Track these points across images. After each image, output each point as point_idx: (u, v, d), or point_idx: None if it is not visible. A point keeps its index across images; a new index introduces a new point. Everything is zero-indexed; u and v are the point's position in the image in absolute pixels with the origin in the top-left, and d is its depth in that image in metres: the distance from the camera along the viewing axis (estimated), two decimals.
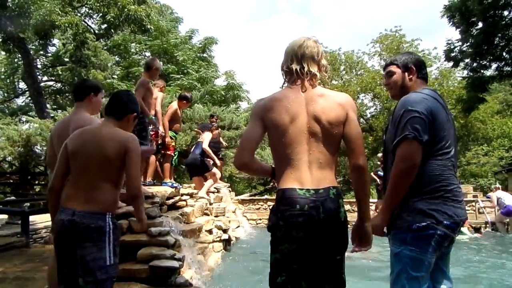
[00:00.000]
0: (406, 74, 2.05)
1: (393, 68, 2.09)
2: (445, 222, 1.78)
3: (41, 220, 6.41)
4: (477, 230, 9.63)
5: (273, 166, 1.85)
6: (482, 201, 11.76)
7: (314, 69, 1.79)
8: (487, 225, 9.94)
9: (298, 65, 1.79)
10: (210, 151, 7.06)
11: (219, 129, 9.43)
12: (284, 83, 1.87)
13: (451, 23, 13.27)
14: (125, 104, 2.24)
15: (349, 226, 1.76)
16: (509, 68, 13.01)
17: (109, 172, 2.06)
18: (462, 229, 9.07)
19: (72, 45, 16.00)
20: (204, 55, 20.37)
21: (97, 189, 2.02)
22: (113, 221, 2.06)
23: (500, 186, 11.40)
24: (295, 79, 1.80)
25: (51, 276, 2.73)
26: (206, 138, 7.19)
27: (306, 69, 1.77)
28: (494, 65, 13.30)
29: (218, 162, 7.76)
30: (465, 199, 12.08)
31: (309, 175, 1.69)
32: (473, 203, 12.11)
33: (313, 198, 1.65)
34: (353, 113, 1.76)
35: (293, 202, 1.65)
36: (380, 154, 12.00)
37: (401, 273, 1.83)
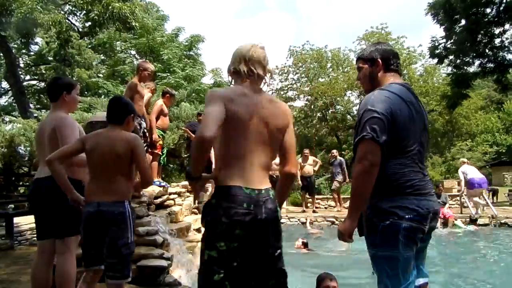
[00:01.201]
0: (373, 68, 2.00)
1: (360, 63, 2.07)
2: (407, 216, 1.78)
3: (26, 222, 6.29)
4: (473, 221, 9.68)
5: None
6: (466, 195, 11.95)
7: (261, 72, 1.84)
8: (471, 219, 10.08)
9: (246, 67, 1.83)
10: None
11: None
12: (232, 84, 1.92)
13: (435, 20, 13.45)
14: (121, 110, 2.57)
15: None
16: (491, 65, 13.26)
17: (122, 167, 2.44)
18: (456, 222, 9.23)
19: (56, 43, 15.74)
20: (191, 53, 20.21)
21: (114, 182, 2.41)
22: (130, 206, 2.49)
23: (467, 160, 11.15)
24: (243, 80, 1.84)
25: (34, 278, 2.71)
26: None
27: (255, 71, 1.82)
28: (477, 62, 13.56)
29: None
30: (449, 193, 12.33)
31: (254, 175, 1.74)
32: (458, 198, 12.32)
33: (257, 198, 1.71)
34: (292, 123, 1.90)
35: (240, 200, 1.67)
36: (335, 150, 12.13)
37: (381, 273, 1.86)
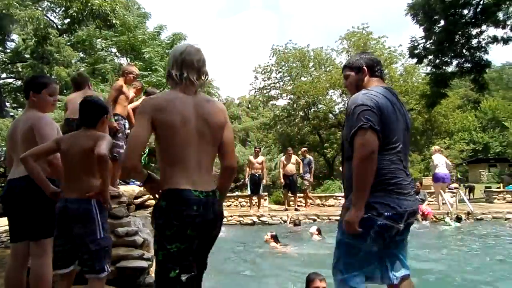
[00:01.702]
0: (359, 75, 2.15)
1: (347, 71, 2.21)
2: (386, 213, 1.87)
3: (0, 224, 6.12)
4: (458, 219, 9.94)
5: (148, 171, 1.87)
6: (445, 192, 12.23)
7: (193, 76, 1.87)
8: (449, 215, 10.32)
9: (178, 71, 1.88)
10: None
11: None
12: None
13: (414, 21, 13.69)
14: (94, 112, 2.54)
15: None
16: (469, 65, 13.58)
17: (90, 166, 2.42)
18: (446, 219, 9.46)
19: (33, 40, 15.34)
20: None
21: (83, 180, 2.44)
22: (99, 204, 2.47)
23: (439, 148, 11.47)
24: (177, 83, 1.89)
25: (8, 281, 2.64)
26: None
27: (185, 75, 1.86)
28: (455, 62, 13.86)
29: None
30: (427, 191, 12.60)
31: (200, 177, 1.82)
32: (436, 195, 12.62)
33: (206, 199, 1.80)
34: (228, 122, 1.97)
35: (190, 202, 1.76)
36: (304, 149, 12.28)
37: (340, 259, 1.99)
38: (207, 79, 1.96)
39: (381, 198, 1.88)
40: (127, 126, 5.19)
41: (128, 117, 5.26)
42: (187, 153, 1.80)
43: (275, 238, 6.64)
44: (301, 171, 11.29)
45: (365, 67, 2.13)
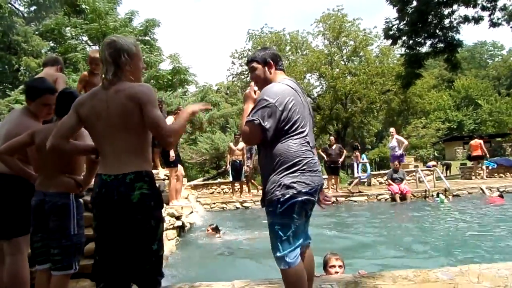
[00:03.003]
0: (266, 68, 2.34)
1: (254, 64, 2.37)
2: (303, 190, 2.14)
3: None
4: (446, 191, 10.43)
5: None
6: (422, 170, 12.54)
7: (111, 71, 1.99)
8: (427, 193, 10.62)
9: (104, 69, 2.03)
10: None
11: (166, 115, 9.18)
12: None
13: (388, 1, 13.77)
14: (69, 104, 2.46)
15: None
16: (442, 45, 13.80)
17: (66, 160, 2.45)
18: (441, 196, 9.81)
19: None
20: (146, 38, 19.52)
21: (60, 175, 2.44)
22: (77, 199, 2.50)
23: (393, 130, 12.14)
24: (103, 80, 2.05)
25: None
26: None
27: (104, 71, 2.01)
28: (428, 42, 14.07)
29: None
30: (406, 170, 12.91)
31: (113, 163, 1.96)
32: (414, 173, 12.92)
33: (110, 182, 1.93)
34: (148, 103, 1.94)
35: (97, 186, 1.99)
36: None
37: (275, 238, 2.17)
38: (127, 68, 2.02)
39: (297, 177, 2.14)
40: None
41: None
42: (104, 143, 2.00)
43: (215, 229, 6.63)
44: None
45: (271, 61, 2.34)
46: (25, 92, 2.82)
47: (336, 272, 3.38)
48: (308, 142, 2.23)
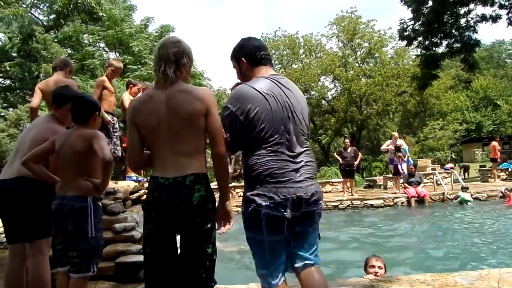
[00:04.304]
0: (240, 65, 2.13)
1: (232, 62, 2.20)
2: (264, 203, 1.89)
3: (0, 225, 6.09)
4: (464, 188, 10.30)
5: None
6: (439, 173, 12.33)
7: (171, 69, 1.93)
8: (444, 196, 10.43)
9: (157, 66, 1.96)
10: None
11: None
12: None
13: (402, 2, 13.63)
14: (85, 108, 2.61)
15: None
16: (458, 45, 13.58)
17: (84, 164, 2.49)
18: (466, 197, 9.69)
19: (19, 38, 15.08)
20: None
21: (78, 179, 2.47)
22: (94, 203, 2.52)
23: (396, 135, 11.98)
24: (159, 79, 1.97)
25: (8, 282, 2.64)
26: None
27: (162, 69, 1.93)
28: (444, 42, 13.86)
29: None
30: (423, 172, 12.71)
31: (172, 165, 1.91)
32: (431, 176, 12.70)
33: (169, 185, 1.88)
34: (213, 108, 1.94)
35: (154, 188, 1.92)
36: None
37: (253, 254, 2.04)
38: (186, 69, 2.00)
39: (258, 189, 1.92)
40: (115, 120, 5.23)
41: (123, 109, 5.30)
42: (162, 144, 1.93)
43: None
44: None
45: (243, 58, 2.10)
46: (52, 99, 2.93)
47: (376, 273, 3.40)
48: (280, 151, 1.93)
